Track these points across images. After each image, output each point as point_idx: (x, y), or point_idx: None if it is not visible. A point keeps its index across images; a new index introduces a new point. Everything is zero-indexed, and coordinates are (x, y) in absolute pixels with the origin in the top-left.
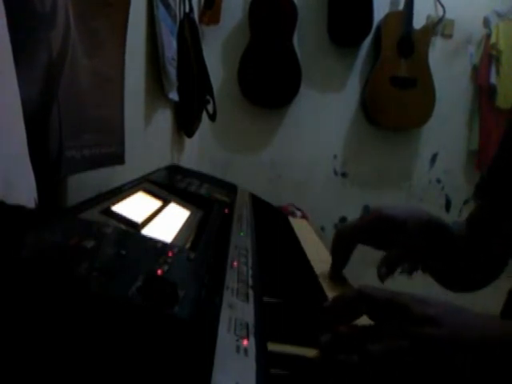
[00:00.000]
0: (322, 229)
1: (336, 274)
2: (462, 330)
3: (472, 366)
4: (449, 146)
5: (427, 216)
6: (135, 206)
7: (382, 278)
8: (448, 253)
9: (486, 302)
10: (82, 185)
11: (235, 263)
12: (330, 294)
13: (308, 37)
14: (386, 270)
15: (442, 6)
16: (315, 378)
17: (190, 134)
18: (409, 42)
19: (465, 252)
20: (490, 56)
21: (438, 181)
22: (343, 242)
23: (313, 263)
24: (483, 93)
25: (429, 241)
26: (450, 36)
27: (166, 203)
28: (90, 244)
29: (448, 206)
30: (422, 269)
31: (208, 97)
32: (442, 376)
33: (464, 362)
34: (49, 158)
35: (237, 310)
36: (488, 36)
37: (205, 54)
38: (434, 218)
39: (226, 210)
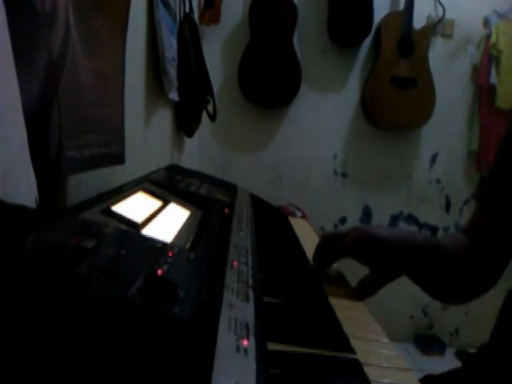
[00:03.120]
0: (322, 229)
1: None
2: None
3: None
4: (449, 146)
5: (416, 236)
6: (135, 206)
7: (360, 297)
8: (441, 269)
9: (485, 301)
10: (82, 185)
11: (235, 263)
12: (329, 292)
13: (308, 37)
14: (363, 291)
15: (442, 5)
16: (314, 378)
17: (190, 134)
18: (409, 42)
19: (461, 265)
20: (490, 56)
21: (438, 181)
22: (325, 256)
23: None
24: (483, 93)
25: (418, 259)
26: (450, 36)
27: (166, 203)
28: (90, 244)
29: (448, 206)
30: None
31: (208, 97)
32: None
33: None
34: (49, 158)
35: (237, 310)
36: (488, 36)
37: (205, 53)
38: (422, 237)
39: (226, 210)
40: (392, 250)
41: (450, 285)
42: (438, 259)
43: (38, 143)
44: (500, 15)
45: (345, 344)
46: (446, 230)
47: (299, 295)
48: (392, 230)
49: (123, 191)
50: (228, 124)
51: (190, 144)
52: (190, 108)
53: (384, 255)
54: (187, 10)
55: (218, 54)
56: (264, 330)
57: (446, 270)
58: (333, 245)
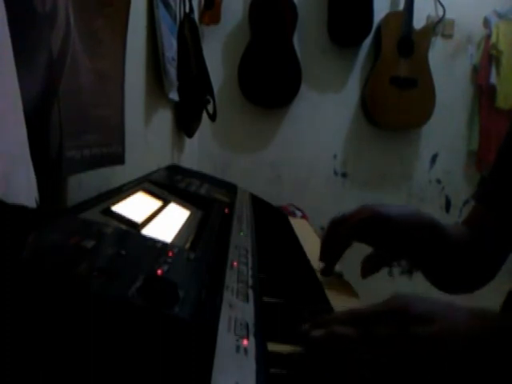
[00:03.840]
0: (322, 229)
1: (328, 270)
2: (451, 327)
3: (462, 361)
4: (449, 146)
5: (422, 216)
6: (135, 206)
7: (364, 275)
8: (444, 253)
9: (485, 302)
10: (82, 185)
11: (235, 263)
12: (329, 292)
13: (308, 37)
14: (368, 267)
15: (442, 5)
16: (314, 377)
17: (190, 134)
18: (409, 42)
19: (463, 253)
20: (490, 56)
21: (438, 181)
22: (337, 241)
23: (313, 263)
24: (483, 93)
25: (423, 240)
26: (450, 36)
27: (166, 203)
28: (90, 244)
29: (448, 206)
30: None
31: (208, 97)
32: (434, 373)
33: (454, 358)
34: (49, 158)
35: (237, 310)
36: (488, 36)
37: (205, 53)
38: (428, 217)
39: (226, 210)
40: (397, 229)
41: (449, 272)
42: (442, 243)
43: (39, 143)
44: (500, 15)
45: None
46: None
47: (299, 295)
48: (398, 208)
49: (123, 191)
50: (228, 124)
51: (190, 144)
52: (190, 108)
53: (389, 234)
54: (187, 10)
55: (218, 54)
56: (264, 330)
57: (447, 255)
58: (339, 230)
